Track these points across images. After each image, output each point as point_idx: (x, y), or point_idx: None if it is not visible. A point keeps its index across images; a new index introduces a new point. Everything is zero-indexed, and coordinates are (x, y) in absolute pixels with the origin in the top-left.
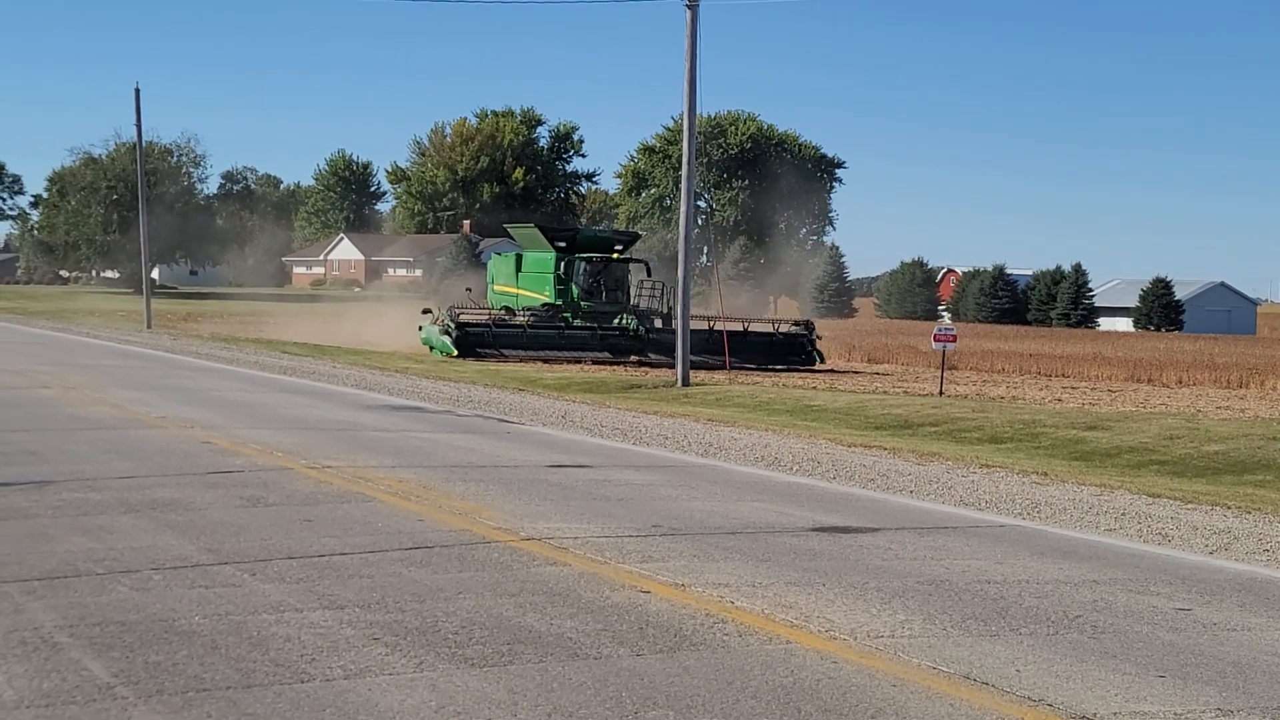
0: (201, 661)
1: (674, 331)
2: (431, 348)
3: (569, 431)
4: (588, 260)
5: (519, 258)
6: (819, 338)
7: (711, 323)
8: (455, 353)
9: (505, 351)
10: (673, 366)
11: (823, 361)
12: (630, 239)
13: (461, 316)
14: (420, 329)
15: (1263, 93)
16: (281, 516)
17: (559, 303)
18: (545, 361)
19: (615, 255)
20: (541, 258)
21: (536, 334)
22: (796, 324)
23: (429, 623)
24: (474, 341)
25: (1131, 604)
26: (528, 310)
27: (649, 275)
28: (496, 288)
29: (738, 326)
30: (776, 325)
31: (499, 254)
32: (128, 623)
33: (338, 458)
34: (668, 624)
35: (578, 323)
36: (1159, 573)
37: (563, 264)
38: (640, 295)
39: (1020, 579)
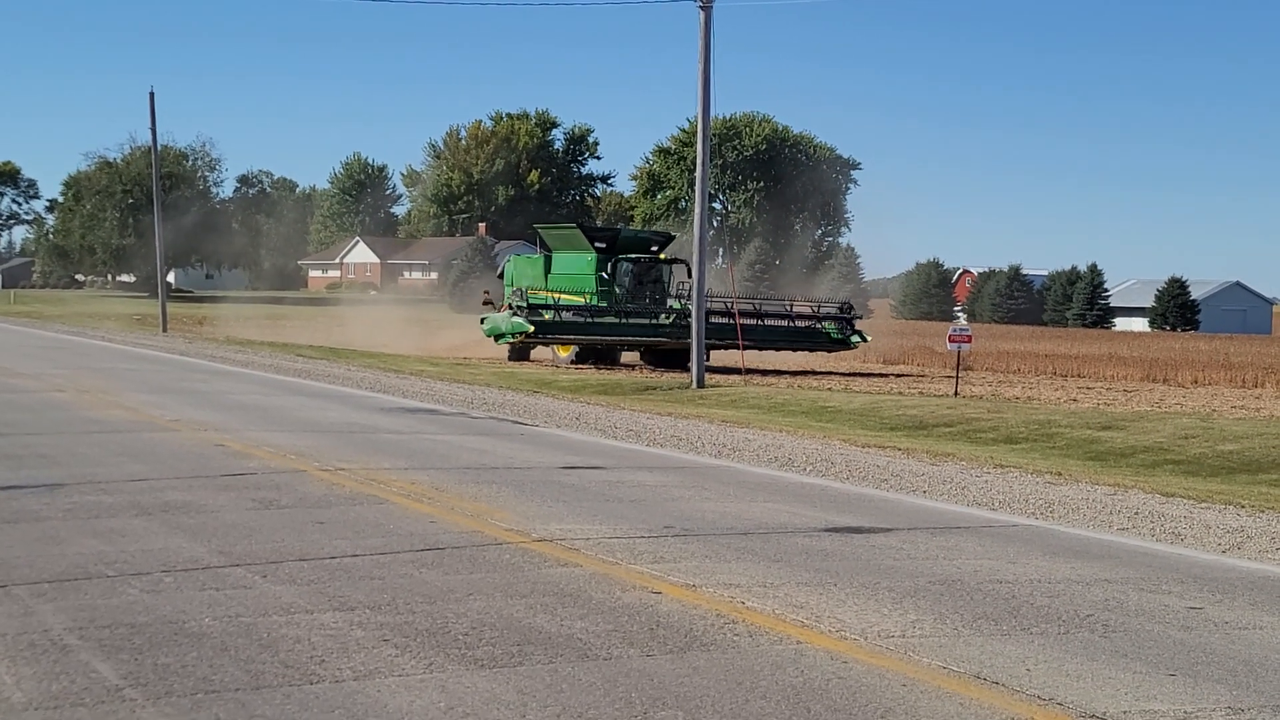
0: (211, 663)
1: (729, 324)
2: (499, 336)
3: (583, 433)
4: (633, 261)
5: (547, 259)
6: (859, 317)
7: (757, 304)
8: (531, 329)
9: (569, 337)
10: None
11: (866, 341)
12: (666, 239)
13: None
14: (482, 320)
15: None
16: (293, 519)
17: (603, 304)
18: (602, 347)
19: (661, 256)
20: (580, 258)
21: (600, 322)
22: (833, 306)
23: (439, 624)
24: (547, 325)
25: (1143, 603)
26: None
27: (689, 275)
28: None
29: (780, 309)
30: (817, 308)
31: (519, 255)
32: (137, 625)
33: (350, 460)
34: (678, 624)
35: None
36: (1171, 572)
37: (609, 265)
38: (680, 295)
39: (1032, 578)
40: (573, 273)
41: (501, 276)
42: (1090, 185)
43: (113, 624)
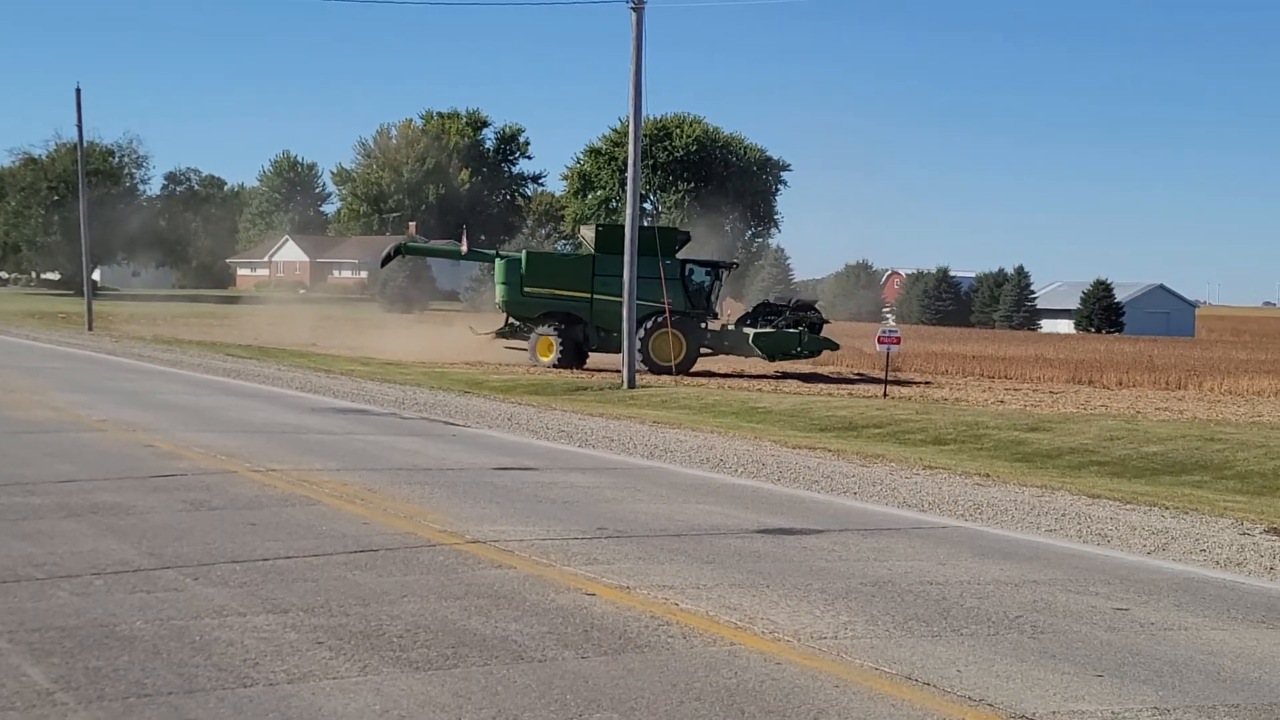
0: (143, 667)
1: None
2: (784, 353)
3: (514, 434)
4: (720, 267)
5: (593, 259)
6: (826, 321)
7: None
8: (838, 347)
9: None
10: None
11: (835, 349)
12: None
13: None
14: (758, 339)
15: (1203, 94)
16: (225, 520)
17: (695, 310)
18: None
19: (735, 263)
20: (653, 264)
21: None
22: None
23: (373, 626)
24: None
25: (1070, 604)
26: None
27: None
28: (535, 290)
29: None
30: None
31: (535, 252)
32: (68, 628)
33: (282, 461)
34: (613, 626)
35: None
36: (1098, 573)
37: (707, 273)
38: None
39: (962, 580)
40: (650, 277)
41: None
42: (1017, 187)
43: (42, 627)
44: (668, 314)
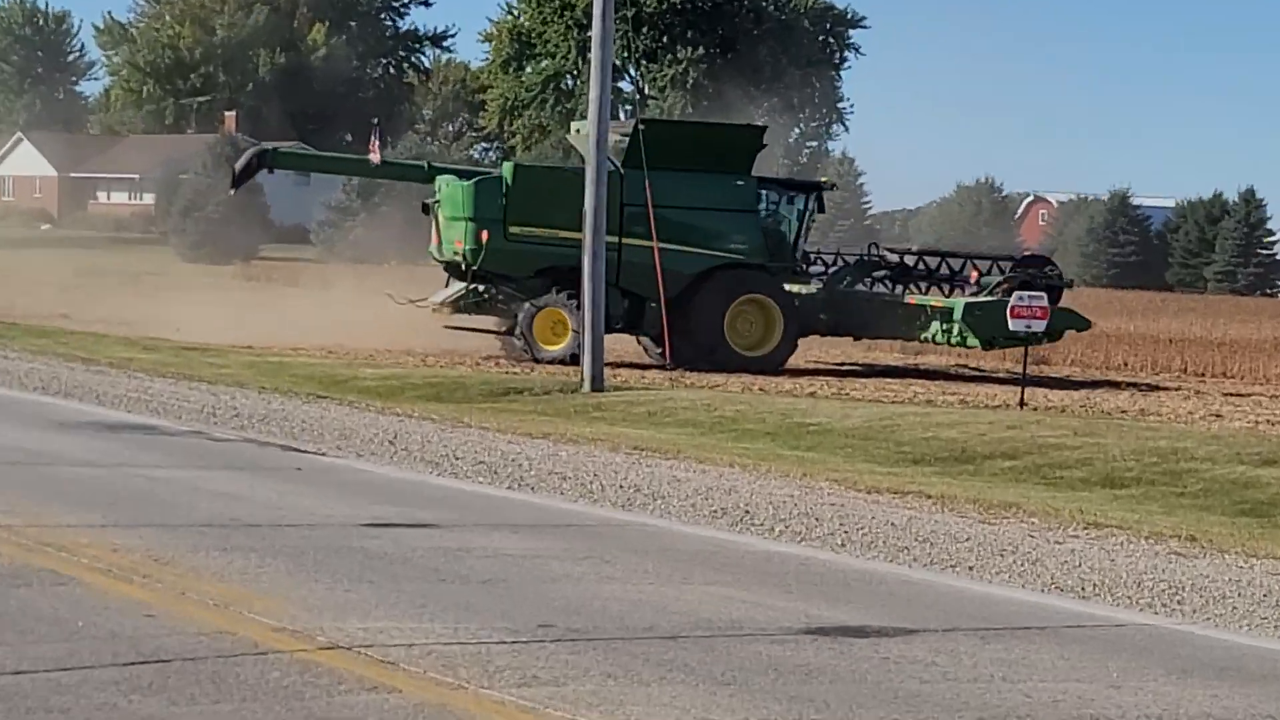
0: None
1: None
2: (993, 340)
3: (401, 467)
4: (811, 191)
5: (621, 180)
6: (1069, 284)
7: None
8: (1089, 325)
9: None
10: None
11: (1085, 327)
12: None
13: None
14: (966, 308)
15: None
16: None
17: (775, 262)
18: None
19: (833, 184)
20: (721, 187)
21: None
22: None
23: None
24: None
25: None
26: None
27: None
28: (526, 231)
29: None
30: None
31: (527, 166)
32: None
33: (13, 510)
34: None
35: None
36: None
37: (792, 199)
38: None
39: (1151, 713)
40: (723, 209)
41: (436, 207)
42: (1236, 70)
43: None
44: (659, 270)
